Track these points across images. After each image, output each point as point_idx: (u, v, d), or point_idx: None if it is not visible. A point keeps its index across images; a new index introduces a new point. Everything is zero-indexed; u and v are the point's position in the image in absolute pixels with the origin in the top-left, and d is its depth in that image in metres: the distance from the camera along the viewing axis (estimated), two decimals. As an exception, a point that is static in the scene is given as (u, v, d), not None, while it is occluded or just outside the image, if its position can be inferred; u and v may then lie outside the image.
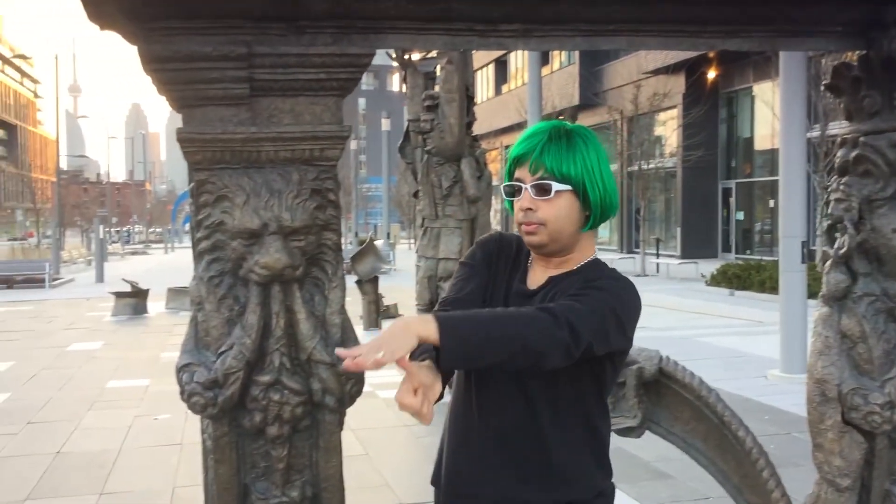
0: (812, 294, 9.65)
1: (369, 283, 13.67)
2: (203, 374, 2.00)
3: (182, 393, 2.03)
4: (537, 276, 1.97)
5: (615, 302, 1.80)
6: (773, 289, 17.34)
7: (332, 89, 2.00)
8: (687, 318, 14.81)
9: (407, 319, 1.66)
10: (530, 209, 1.87)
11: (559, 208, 1.86)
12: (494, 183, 8.94)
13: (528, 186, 1.87)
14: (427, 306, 9.13)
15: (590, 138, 1.89)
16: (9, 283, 24.76)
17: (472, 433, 1.97)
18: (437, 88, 8.88)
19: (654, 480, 5.85)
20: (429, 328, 1.62)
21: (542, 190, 1.85)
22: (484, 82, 46.37)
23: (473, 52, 10.92)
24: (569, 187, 1.85)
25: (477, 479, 1.95)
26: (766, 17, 2.09)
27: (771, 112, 22.77)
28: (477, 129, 9.67)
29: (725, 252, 29.90)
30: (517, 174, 1.90)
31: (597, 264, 1.94)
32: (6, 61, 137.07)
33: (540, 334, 1.69)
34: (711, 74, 28.86)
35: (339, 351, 1.69)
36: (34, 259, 33.27)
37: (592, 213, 1.88)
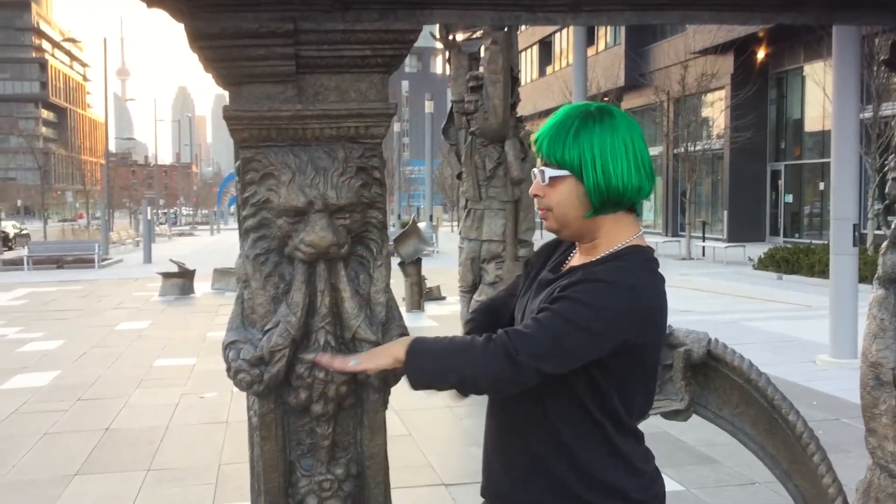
0: (862, 278, 9.48)
1: (412, 265, 13.70)
2: (249, 351, 2.01)
3: (228, 370, 2.04)
4: (572, 262, 1.94)
5: (581, 314, 1.71)
6: (823, 272, 17.09)
7: (377, 66, 1.98)
8: (734, 302, 14.61)
9: (396, 342, 1.91)
10: (538, 195, 1.87)
11: (560, 193, 1.83)
12: (538, 164, 8.86)
13: (536, 172, 1.87)
14: (470, 288, 9.13)
15: (605, 121, 1.80)
16: (59, 263, 25.29)
17: (497, 440, 1.97)
18: (481, 69, 8.82)
19: (700, 465, 5.79)
20: (401, 354, 1.82)
21: (543, 176, 1.85)
22: (528, 63, 46.06)
23: (518, 32, 10.83)
24: (565, 172, 1.81)
25: (508, 488, 1.93)
26: (822, -10, 2.03)
27: (822, 92, 22.31)
28: (521, 110, 9.60)
29: (773, 235, 29.45)
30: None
31: (619, 255, 1.83)
32: (56, 45, 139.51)
33: (473, 368, 1.76)
34: (761, 54, 28.33)
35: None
36: (84, 240, 34.00)
37: (591, 200, 1.81)
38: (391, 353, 1.84)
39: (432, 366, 1.79)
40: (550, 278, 1.92)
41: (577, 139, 1.79)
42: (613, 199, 1.81)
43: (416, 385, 1.80)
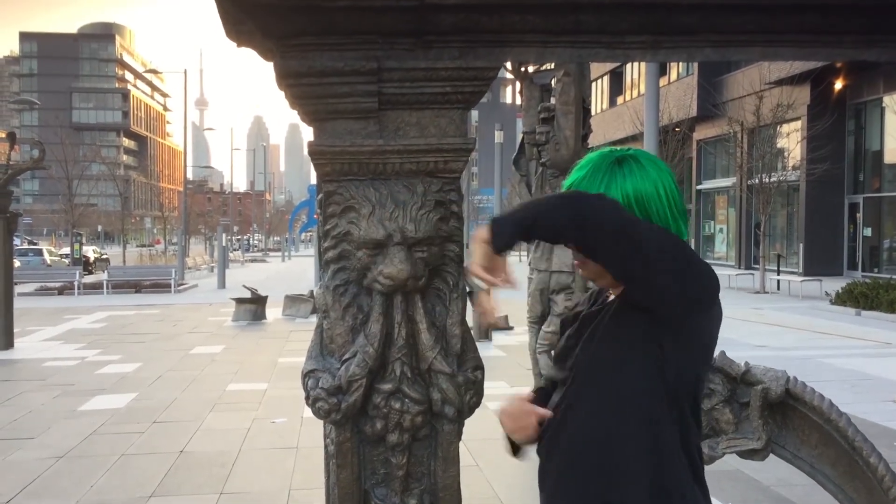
0: (948, 316, 9.14)
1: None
2: (328, 381, 2.05)
3: (307, 398, 2.08)
4: (613, 296, 1.86)
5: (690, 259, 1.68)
6: (904, 309, 16.53)
7: (457, 102, 2.02)
8: (810, 338, 14.23)
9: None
10: (572, 247, 1.78)
11: None
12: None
13: None
14: (538, 319, 9.07)
15: (633, 168, 1.76)
16: (137, 287, 26.00)
17: (544, 438, 1.95)
18: (552, 101, 8.84)
19: (775, 505, 5.64)
20: (484, 232, 1.71)
21: None
22: (599, 93, 45.89)
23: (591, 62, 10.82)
24: None
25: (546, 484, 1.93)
26: (907, 26, 2.00)
27: (903, 124, 21.75)
28: (592, 140, 9.57)
29: (851, 270, 28.64)
30: None
31: None
32: (138, 76, 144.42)
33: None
34: (838, 85, 27.77)
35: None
36: (161, 265, 34.93)
37: None
38: (477, 241, 1.72)
39: (521, 216, 1.70)
40: (594, 311, 1.86)
41: (609, 190, 1.74)
42: None
43: (500, 239, 1.70)
